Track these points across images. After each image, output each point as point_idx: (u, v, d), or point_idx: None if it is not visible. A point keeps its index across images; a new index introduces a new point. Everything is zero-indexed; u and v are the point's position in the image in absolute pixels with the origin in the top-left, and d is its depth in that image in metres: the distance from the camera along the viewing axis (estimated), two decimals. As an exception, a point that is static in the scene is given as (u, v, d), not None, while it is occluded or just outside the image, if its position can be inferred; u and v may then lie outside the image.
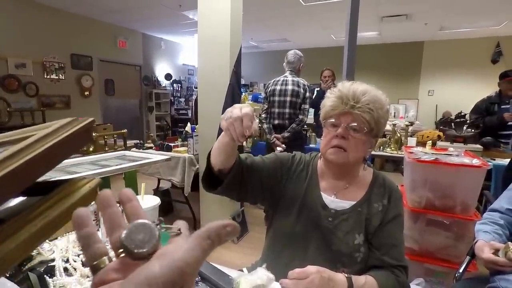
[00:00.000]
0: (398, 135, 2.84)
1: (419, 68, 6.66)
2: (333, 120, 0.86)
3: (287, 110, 2.66)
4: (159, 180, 3.13)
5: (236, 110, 0.67)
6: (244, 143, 0.84)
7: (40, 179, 0.24)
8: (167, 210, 3.09)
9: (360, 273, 0.81)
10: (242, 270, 0.99)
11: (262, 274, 0.72)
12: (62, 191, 0.25)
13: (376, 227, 0.86)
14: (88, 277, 0.79)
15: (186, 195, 2.69)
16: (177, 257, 0.20)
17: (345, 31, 1.98)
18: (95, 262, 0.23)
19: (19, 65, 4.56)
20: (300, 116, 2.67)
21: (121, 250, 0.22)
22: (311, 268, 0.72)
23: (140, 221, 0.23)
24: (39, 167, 0.23)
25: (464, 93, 6.22)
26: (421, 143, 2.65)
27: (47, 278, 0.74)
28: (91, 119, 0.28)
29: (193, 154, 2.65)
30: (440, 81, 6.52)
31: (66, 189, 0.25)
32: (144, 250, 0.21)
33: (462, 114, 3.17)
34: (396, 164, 3.65)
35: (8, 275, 0.67)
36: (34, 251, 0.80)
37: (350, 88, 0.84)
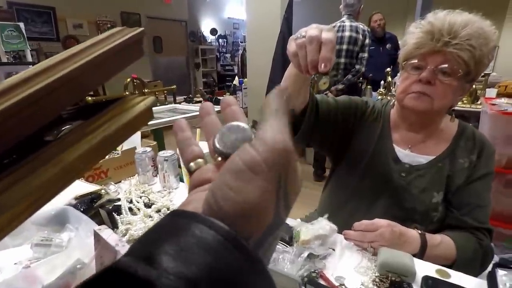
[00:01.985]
0: (474, 86, 2.46)
1: (505, 8, 5.55)
2: (417, 62, 0.69)
3: (342, 60, 2.41)
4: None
5: (314, 30, 0.46)
6: (317, 82, 0.49)
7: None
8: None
9: (435, 233, 0.72)
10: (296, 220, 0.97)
11: (324, 224, 0.67)
12: (118, 107, 0.24)
13: (460, 185, 0.74)
14: (150, 217, 0.82)
15: (235, 148, 2.73)
16: (271, 138, 0.16)
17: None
18: (191, 164, 0.23)
19: (77, 26, 4.80)
20: (357, 66, 2.41)
21: (216, 155, 0.21)
22: (381, 221, 0.65)
23: (233, 123, 0.21)
24: (92, 74, 0.21)
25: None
26: (504, 95, 2.26)
27: (115, 215, 0.78)
28: (141, 29, 0.25)
29: (242, 107, 2.62)
30: (529, 23, 5.40)
31: (122, 105, 0.24)
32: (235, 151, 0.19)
33: None
34: (464, 119, 3.22)
35: (82, 210, 0.72)
36: (102, 191, 0.85)
37: (445, 18, 0.65)
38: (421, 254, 0.66)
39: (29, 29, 4.08)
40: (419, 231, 0.69)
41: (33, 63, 2.53)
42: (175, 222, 0.15)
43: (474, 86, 2.51)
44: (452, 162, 0.75)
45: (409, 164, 0.78)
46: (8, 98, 0.16)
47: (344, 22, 2.42)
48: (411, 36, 0.70)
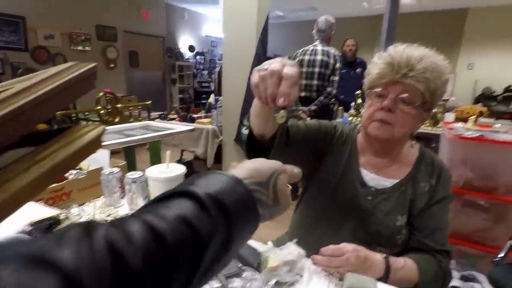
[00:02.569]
0: (434, 110, 2.64)
1: (459, 39, 6.09)
2: (380, 90, 0.74)
3: (315, 82, 2.52)
4: (182, 151, 3.16)
5: (277, 63, 0.46)
6: (275, 115, 0.51)
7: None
8: (190, 181, 3.13)
9: (399, 256, 0.75)
10: (266, 244, 0.97)
11: (293, 249, 0.68)
12: (68, 136, 0.24)
13: (421, 208, 0.78)
14: (115, 242, 0.79)
15: (209, 167, 2.70)
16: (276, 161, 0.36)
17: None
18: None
19: (48, 37, 4.64)
20: (329, 89, 2.52)
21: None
22: (347, 246, 0.67)
23: None
24: (42, 109, 0.22)
25: (510, 66, 5.66)
26: (460, 120, 2.45)
27: (75, 241, 0.74)
28: (94, 64, 0.27)
29: (216, 126, 2.62)
30: (482, 53, 5.95)
31: (72, 134, 0.25)
32: None
33: (511, 88, 2.87)
34: (427, 141, 3.44)
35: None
36: (62, 215, 0.81)
37: (403, 52, 0.71)
38: (385, 277, 0.69)
39: (-5, 38, 3.89)
40: (384, 255, 0.72)
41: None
42: (208, 173, 0.27)
43: (435, 110, 2.70)
44: (414, 186, 0.79)
45: (375, 188, 0.81)
46: None
47: (316, 46, 2.54)
48: (375, 66, 0.76)
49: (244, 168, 0.30)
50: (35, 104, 0.20)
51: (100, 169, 1.06)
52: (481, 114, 2.57)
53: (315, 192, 0.86)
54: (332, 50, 2.52)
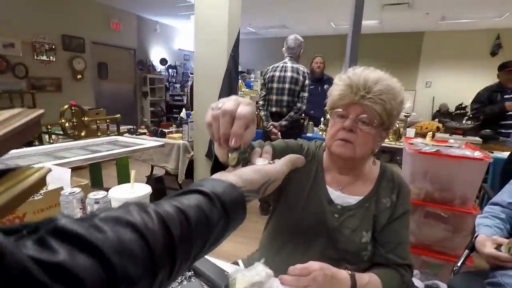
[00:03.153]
0: (396, 125, 2.81)
1: (418, 59, 6.60)
2: (341, 111, 0.78)
3: (285, 98, 2.59)
4: (152, 166, 3.07)
5: (230, 102, 0.41)
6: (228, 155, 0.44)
7: None
8: (160, 197, 3.02)
9: (365, 271, 0.78)
10: (237, 263, 0.95)
11: (260, 270, 0.68)
12: (11, 179, 0.25)
13: (384, 224, 0.81)
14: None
15: (180, 182, 2.64)
16: (272, 169, 0.41)
17: (350, 19, 1.91)
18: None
19: (7, 45, 4.38)
20: (298, 104, 2.60)
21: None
22: (313, 265, 0.68)
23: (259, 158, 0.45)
24: None
25: (462, 86, 6.19)
26: (420, 134, 2.62)
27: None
28: (41, 111, 0.28)
29: (187, 141, 2.58)
30: (438, 72, 6.48)
31: (15, 177, 0.25)
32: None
33: (463, 106, 3.13)
34: (392, 154, 3.63)
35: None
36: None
37: (361, 75, 0.75)
38: None
39: None
40: (349, 272, 0.73)
41: None
42: (208, 180, 0.35)
43: (397, 125, 2.86)
44: (377, 202, 0.83)
45: (341, 205, 0.83)
46: None
47: (286, 63, 2.63)
48: (336, 87, 0.80)
49: (241, 177, 0.36)
50: None
51: (60, 189, 0.99)
52: (438, 129, 2.77)
53: (284, 211, 0.87)
54: (301, 68, 2.62)
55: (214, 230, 0.30)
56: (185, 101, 6.65)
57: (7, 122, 0.24)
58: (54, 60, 4.93)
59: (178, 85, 7.41)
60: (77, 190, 0.97)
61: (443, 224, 1.72)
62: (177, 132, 2.79)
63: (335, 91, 0.79)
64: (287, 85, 2.57)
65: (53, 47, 4.90)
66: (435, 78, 6.52)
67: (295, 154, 0.87)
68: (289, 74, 2.57)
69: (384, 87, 0.74)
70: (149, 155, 2.68)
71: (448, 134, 2.79)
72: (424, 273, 1.69)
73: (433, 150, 1.67)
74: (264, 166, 0.40)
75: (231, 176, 0.36)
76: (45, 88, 4.88)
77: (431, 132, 2.23)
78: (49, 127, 2.87)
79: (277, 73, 2.61)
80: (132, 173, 0.83)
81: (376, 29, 6.40)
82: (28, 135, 0.26)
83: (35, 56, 4.71)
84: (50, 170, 0.29)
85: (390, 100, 0.74)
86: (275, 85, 2.61)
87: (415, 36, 6.49)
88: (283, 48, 2.71)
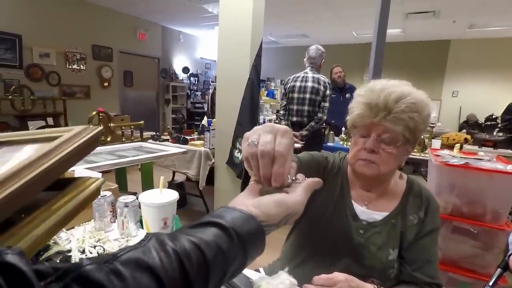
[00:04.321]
0: (422, 136, 2.73)
1: (443, 68, 6.40)
2: (362, 131, 0.76)
3: (306, 108, 2.59)
4: (174, 172, 3.14)
5: (267, 138, 0.38)
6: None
7: None
8: (180, 203, 3.08)
9: None
10: (258, 270, 0.95)
11: (285, 278, 0.68)
12: (76, 188, 0.29)
13: (410, 241, 0.79)
14: (104, 269, 0.77)
15: (201, 189, 2.68)
16: (293, 201, 0.37)
17: (374, 28, 1.90)
18: (252, 181, 0.41)
19: (43, 55, 4.67)
20: (319, 115, 2.59)
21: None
22: (339, 275, 0.67)
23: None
24: (62, 167, 0.27)
25: (491, 96, 5.93)
26: (446, 146, 2.53)
27: (63, 268, 0.72)
28: (100, 128, 0.32)
29: (209, 148, 2.63)
30: (465, 82, 6.24)
31: (78, 186, 0.30)
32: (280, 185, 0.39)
33: (493, 116, 3.00)
34: (416, 165, 3.52)
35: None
36: (51, 241, 0.79)
37: (381, 93, 0.71)
38: None
39: (-12, 55, 3.89)
40: (376, 286, 0.72)
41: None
42: (227, 210, 0.34)
43: (422, 136, 2.78)
44: (403, 219, 0.80)
45: (366, 221, 0.81)
46: (2, 191, 0.20)
47: (307, 73, 2.63)
48: (356, 106, 0.77)
49: (262, 210, 0.35)
50: (57, 165, 0.25)
51: (92, 192, 1.05)
52: (466, 141, 2.66)
53: (308, 224, 0.86)
54: (322, 78, 2.61)
55: (231, 266, 0.30)
56: (206, 109, 6.78)
57: (73, 139, 0.28)
58: (84, 68, 5.20)
59: (199, 93, 7.58)
60: (108, 193, 1.01)
61: (472, 240, 1.64)
62: (198, 139, 2.84)
63: (355, 110, 0.76)
64: (308, 95, 2.57)
65: (84, 56, 5.18)
66: (462, 88, 6.29)
67: (320, 165, 0.88)
68: (310, 84, 2.58)
69: (407, 105, 0.70)
70: (171, 161, 2.75)
71: (477, 146, 2.68)
72: (451, 291, 1.61)
73: (462, 163, 1.61)
74: (286, 198, 0.37)
75: (252, 208, 0.34)
76: (75, 95, 5.14)
77: (458, 144, 2.15)
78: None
79: (298, 83, 2.62)
80: (161, 179, 0.86)
81: (399, 38, 6.29)
82: (90, 150, 0.30)
83: (67, 65, 4.99)
84: (104, 181, 0.33)
85: (414, 117, 0.71)
86: (295, 95, 2.62)
87: (440, 44, 6.32)
88: (305, 59, 2.73)
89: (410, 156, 2.74)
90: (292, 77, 2.71)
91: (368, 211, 0.82)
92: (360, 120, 0.75)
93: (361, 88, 0.80)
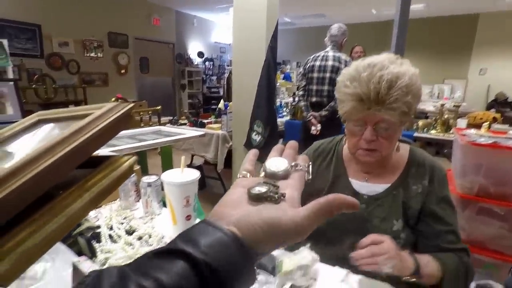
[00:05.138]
0: (446, 116, 2.61)
1: (470, 44, 6.03)
2: (356, 123, 0.74)
3: (325, 87, 2.51)
4: (192, 156, 3.19)
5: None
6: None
7: None
8: (199, 186, 3.14)
9: None
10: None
11: (307, 254, 0.68)
12: (109, 166, 0.29)
13: (419, 211, 0.77)
14: (131, 244, 0.80)
15: (219, 171, 2.72)
16: (290, 223, 0.25)
17: (396, 4, 1.80)
18: (240, 175, 0.31)
19: (62, 44, 4.78)
20: None
21: (261, 171, 0.31)
22: (381, 236, 0.66)
23: (279, 158, 0.32)
24: (94, 144, 0.27)
25: (523, 73, 5.57)
26: (473, 125, 2.41)
27: (94, 243, 0.76)
28: (132, 104, 0.31)
29: (226, 131, 2.64)
30: (494, 58, 5.86)
31: (112, 164, 0.29)
32: (274, 171, 0.30)
33: (525, 94, 2.81)
34: (439, 146, 3.40)
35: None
36: (81, 217, 0.83)
37: (369, 83, 0.67)
38: (417, 271, 0.66)
39: (12, 45, 4.01)
40: (407, 250, 0.70)
41: (14, 80, 2.48)
42: (207, 228, 0.24)
43: (446, 115, 2.67)
44: (405, 189, 0.79)
45: (368, 195, 0.81)
46: (36, 167, 0.21)
47: (328, 52, 2.54)
48: (344, 98, 0.73)
49: (247, 234, 0.24)
50: (90, 141, 0.25)
51: (116, 173, 1.08)
52: (494, 120, 2.53)
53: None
54: (343, 56, 2.52)
55: None
56: (221, 93, 6.78)
57: (105, 116, 0.27)
58: (101, 56, 5.28)
59: (214, 78, 7.57)
60: (132, 174, 1.04)
61: (499, 222, 1.59)
62: (215, 122, 2.86)
63: (345, 104, 0.73)
64: (327, 74, 2.49)
65: (101, 44, 5.25)
66: (491, 65, 5.92)
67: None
68: (330, 63, 2.49)
69: (400, 92, 0.67)
70: (189, 144, 2.79)
71: (508, 125, 2.54)
72: (477, 272, 1.58)
73: (490, 142, 1.53)
74: (281, 218, 0.25)
75: (233, 228, 0.24)
76: (94, 83, 5.26)
77: (487, 123, 2.05)
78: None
79: (317, 63, 2.54)
80: (182, 159, 0.87)
81: (422, 14, 5.95)
82: (123, 126, 0.30)
83: (85, 53, 5.08)
84: (137, 160, 0.33)
85: (408, 100, 0.68)
86: (315, 74, 2.54)
87: (468, 19, 5.93)
88: (326, 38, 2.62)
89: (433, 137, 2.64)
90: (312, 56, 2.62)
91: (369, 185, 0.82)
92: (353, 113, 0.73)
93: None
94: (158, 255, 0.23)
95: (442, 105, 2.70)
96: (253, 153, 0.35)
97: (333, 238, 0.82)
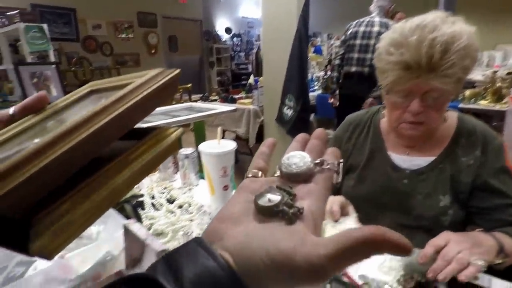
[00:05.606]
0: (498, 85, 2.37)
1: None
2: (400, 94, 0.66)
3: (369, 56, 2.29)
4: (224, 131, 3.23)
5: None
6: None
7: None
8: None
9: None
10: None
11: (352, 223, 0.66)
12: (154, 138, 0.27)
13: (471, 185, 0.70)
14: (172, 212, 0.84)
15: (251, 146, 2.74)
16: (305, 263, 0.17)
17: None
18: (249, 175, 0.25)
19: (96, 26, 4.93)
20: None
21: (277, 170, 0.24)
22: (440, 236, 0.59)
23: (300, 152, 0.25)
24: (137, 113, 0.25)
25: None
26: (530, 94, 2.17)
27: (139, 210, 0.80)
28: (177, 70, 0.28)
29: (257, 106, 2.62)
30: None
31: (157, 136, 0.27)
32: (292, 172, 0.23)
33: None
34: (487, 119, 3.10)
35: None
36: (126, 186, 0.87)
37: (420, 47, 0.59)
38: (502, 251, 0.60)
39: (51, 30, 4.19)
40: (478, 229, 0.65)
41: (56, 63, 2.61)
42: (198, 252, 0.18)
43: (498, 84, 2.42)
44: (454, 162, 0.72)
45: (409, 169, 0.75)
46: (75, 136, 0.20)
47: (373, 18, 2.34)
48: (388, 67, 0.65)
49: (246, 268, 0.18)
50: (133, 110, 0.24)
51: (155, 145, 1.11)
52: (556, 87, 2.25)
53: (347, 187, 0.84)
54: (391, 23, 2.31)
55: None
56: (250, 69, 6.71)
57: (148, 83, 0.25)
58: (132, 36, 5.39)
59: (242, 54, 7.47)
60: (179, 148, 1.07)
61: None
62: (246, 97, 2.84)
63: (389, 74, 0.64)
64: (372, 41, 2.27)
65: (131, 25, 5.34)
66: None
67: (342, 140, 0.84)
68: (376, 29, 2.28)
69: (457, 55, 0.58)
70: (221, 120, 2.81)
71: None
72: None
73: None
74: (294, 252, 0.17)
75: (228, 256, 0.18)
76: (127, 64, 5.42)
77: (548, 89, 1.83)
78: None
79: (361, 28, 2.33)
80: (219, 129, 0.87)
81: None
82: (168, 95, 0.28)
83: (117, 35, 5.21)
84: (183, 132, 0.31)
85: (467, 64, 0.60)
86: (358, 41, 2.34)
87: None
88: (371, 6, 2.41)
89: (483, 107, 2.41)
90: (355, 22, 2.41)
91: (410, 158, 0.76)
92: (399, 84, 0.64)
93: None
94: (131, 284, 0.17)
95: (494, 72, 2.45)
96: (268, 143, 0.28)
97: (370, 215, 0.78)
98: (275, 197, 0.20)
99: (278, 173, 0.24)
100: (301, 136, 0.28)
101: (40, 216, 0.19)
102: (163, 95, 0.27)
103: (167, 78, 0.27)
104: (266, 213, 0.20)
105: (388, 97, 0.71)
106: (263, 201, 0.20)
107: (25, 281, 0.49)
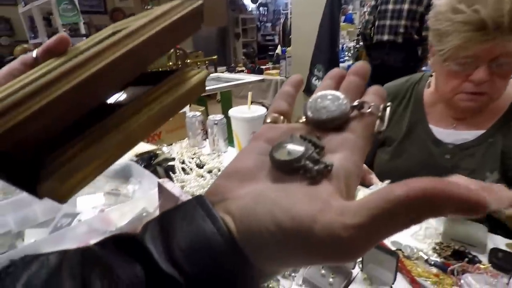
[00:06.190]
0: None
1: None
2: (464, 60, 0.58)
3: (402, 22, 2.08)
4: (251, 103, 3.22)
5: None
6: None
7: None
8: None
9: None
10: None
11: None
12: (175, 79, 0.25)
13: None
14: (202, 176, 0.85)
15: (277, 119, 2.71)
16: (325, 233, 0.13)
17: None
18: (268, 120, 0.21)
19: (123, -2, 4.93)
20: (424, 32, 2.08)
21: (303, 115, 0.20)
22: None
23: (333, 92, 0.19)
24: (153, 48, 0.22)
25: None
26: None
27: (170, 173, 0.82)
28: (200, 1, 0.25)
29: (285, 77, 2.56)
30: None
31: (178, 77, 0.25)
32: (321, 117, 0.18)
33: None
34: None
35: (143, 166, 0.77)
36: (158, 151, 0.90)
37: (504, 2, 0.51)
38: None
39: (81, 3, 4.26)
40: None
41: (86, 35, 2.67)
42: (196, 212, 0.15)
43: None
44: (506, 136, 0.65)
45: (453, 144, 0.69)
46: (81, 72, 0.18)
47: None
48: (450, 29, 0.56)
49: (249, 239, 0.14)
50: (148, 44, 0.21)
51: (184, 112, 1.13)
52: None
53: (383, 160, 0.79)
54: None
55: None
56: (276, 41, 6.50)
57: (168, 14, 0.23)
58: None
59: (269, 24, 7.21)
60: (198, 113, 1.08)
61: None
62: (273, 68, 2.78)
63: (453, 37, 0.56)
64: (406, 6, 2.06)
65: (157, -5, 5.29)
66: None
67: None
68: None
69: None
70: (247, 91, 2.79)
71: None
72: None
73: None
74: (314, 220, 0.13)
75: (230, 221, 0.15)
76: (154, 36, 5.44)
77: None
78: (160, 69, 3.25)
79: None
80: (249, 94, 0.86)
81: None
82: (190, 29, 0.25)
83: (144, 6, 5.18)
84: (209, 73, 0.28)
85: None
86: (390, 6, 2.13)
87: None
88: None
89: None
90: None
91: (456, 132, 0.70)
92: (467, 48, 0.56)
93: (446, 5, 0.57)
94: (118, 245, 0.15)
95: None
96: (293, 80, 0.23)
97: None
98: (297, 149, 0.16)
99: (303, 118, 0.20)
100: (335, 71, 0.22)
101: (49, 158, 0.18)
102: (182, 29, 0.24)
103: (185, 11, 0.24)
104: (284, 169, 0.16)
105: (445, 65, 0.63)
106: (281, 154, 0.16)
107: (71, 230, 0.53)
